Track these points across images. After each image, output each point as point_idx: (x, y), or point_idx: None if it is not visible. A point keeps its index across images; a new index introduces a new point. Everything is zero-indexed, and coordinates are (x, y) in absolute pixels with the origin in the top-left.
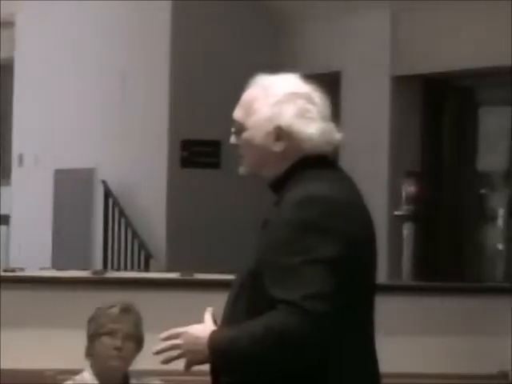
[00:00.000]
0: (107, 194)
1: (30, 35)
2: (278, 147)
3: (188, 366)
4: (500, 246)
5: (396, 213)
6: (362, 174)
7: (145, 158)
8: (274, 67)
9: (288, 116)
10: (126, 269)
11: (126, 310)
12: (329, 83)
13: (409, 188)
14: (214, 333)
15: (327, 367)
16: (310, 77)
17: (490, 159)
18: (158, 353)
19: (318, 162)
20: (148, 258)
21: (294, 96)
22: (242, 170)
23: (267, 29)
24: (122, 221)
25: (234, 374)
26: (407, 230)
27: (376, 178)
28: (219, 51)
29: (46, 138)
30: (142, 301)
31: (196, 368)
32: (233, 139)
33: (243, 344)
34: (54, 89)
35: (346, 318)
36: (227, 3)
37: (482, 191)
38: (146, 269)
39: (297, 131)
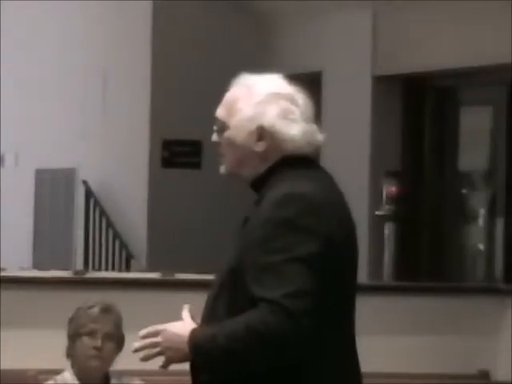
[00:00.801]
0: (88, 194)
1: (11, 34)
2: (260, 147)
3: (166, 363)
4: (481, 246)
5: (377, 213)
6: (343, 173)
7: (126, 158)
8: (256, 67)
9: (271, 116)
10: (107, 269)
11: (107, 310)
12: (310, 83)
13: (390, 188)
14: (194, 331)
15: (307, 365)
16: (291, 77)
17: (470, 159)
18: (136, 350)
19: (299, 162)
20: (129, 258)
21: (277, 96)
22: (222, 169)
23: (249, 29)
24: (103, 221)
25: (213, 372)
26: (388, 229)
27: (357, 178)
28: (201, 51)
29: (27, 137)
30: (123, 301)
31: (176, 368)
32: (214, 137)
33: (223, 342)
34: (35, 88)
35: (326, 317)
36: (208, 3)
37: (463, 191)
38: (127, 269)
39: (279, 132)
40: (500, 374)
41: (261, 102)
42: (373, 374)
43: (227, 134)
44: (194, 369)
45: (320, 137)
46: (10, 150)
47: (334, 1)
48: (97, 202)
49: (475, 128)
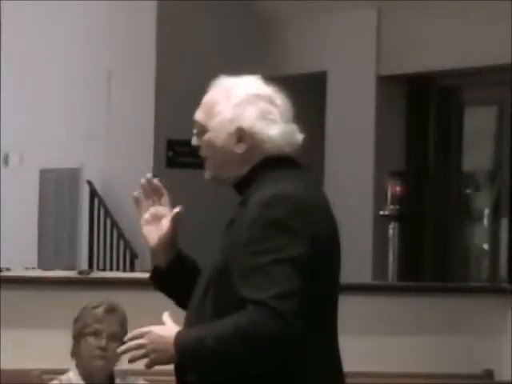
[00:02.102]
0: (93, 194)
1: (15, 34)
2: (240, 149)
3: (150, 364)
4: (485, 246)
5: (381, 213)
6: (348, 174)
7: (131, 158)
8: (260, 68)
9: (250, 117)
10: (111, 269)
11: (111, 310)
12: (314, 83)
13: (394, 188)
14: (180, 332)
15: (295, 366)
16: (296, 77)
17: (474, 159)
18: (122, 352)
19: (282, 163)
20: (133, 258)
21: (255, 98)
22: (206, 174)
23: (253, 29)
24: (108, 221)
25: (201, 373)
26: (392, 229)
27: (361, 178)
28: (205, 51)
29: (32, 137)
30: (128, 301)
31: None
32: (194, 141)
33: (211, 343)
34: (39, 88)
35: (314, 318)
36: (213, 3)
37: (468, 191)
38: (132, 269)
39: (259, 133)
40: (504, 373)
41: (239, 103)
42: (376, 374)
43: (207, 136)
44: (179, 370)
45: (300, 137)
46: (15, 149)
47: (338, 1)
48: (101, 202)
49: (479, 128)
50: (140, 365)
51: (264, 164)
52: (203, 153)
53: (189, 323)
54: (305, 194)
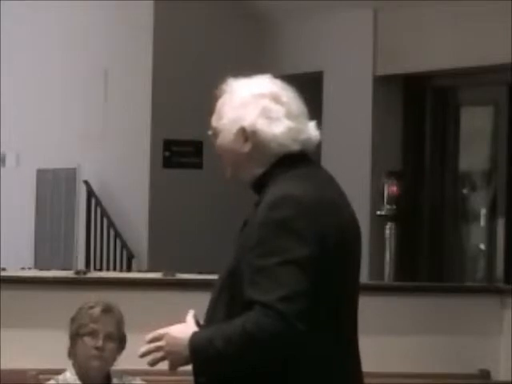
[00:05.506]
0: (90, 194)
1: (12, 34)
2: (246, 148)
3: (171, 367)
4: (482, 246)
5: (378, 213)
6: (344, 174)
7: (127, 158)
8: (257, 67)
9: (251, 117)
10: (108, 269)
11: (108, 310)
12: (310, 83)
13: (391, 188)
14: (194, 334)
15: (299, 366)
16: (292, 76)
17: (471, 159)
18: (143, 355)
19: (295, 161)
20: (130, 257)
21: (258, 97)
22: (226, 172)
23: (250, 29)
24: (105, 221)
25: (210, 375)
26: (389, 229)
27: (358, 178)
28: (201, 51)
29: (29, 137)
30: (125, 301)
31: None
32: (214, 144)
33: (218, 345)
34: (36, 88)
35: (322, 319)
36: (209, 3)
37: (464, 191)
38: (129, 269)
39: (261, 131)
40: (501, 373)
41: (241, 103)
42: (373, 374)
43: (219, 139)
44: (194, 371)
45: (314, 132)
46: (12, 149)
47: (334, 0)
48: (98, 202)
49: (476, 128)
50: (136, 365)
51: (280, 163)
52: (220, 155)
53: (206, 324)
54: (312, 195)
